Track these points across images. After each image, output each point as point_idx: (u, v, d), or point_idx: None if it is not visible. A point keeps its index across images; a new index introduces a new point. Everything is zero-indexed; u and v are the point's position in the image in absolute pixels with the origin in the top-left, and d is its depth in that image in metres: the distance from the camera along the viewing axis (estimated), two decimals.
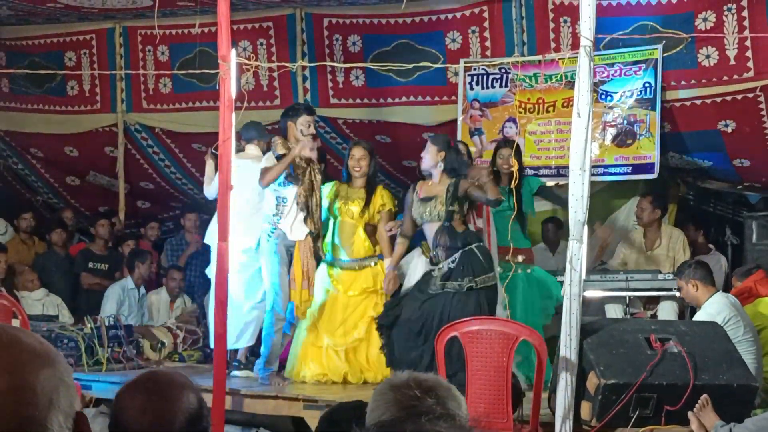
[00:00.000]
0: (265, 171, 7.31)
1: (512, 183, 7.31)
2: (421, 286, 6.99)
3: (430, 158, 7.07)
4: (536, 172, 8.85)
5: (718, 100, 8.46)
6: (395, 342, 7.02)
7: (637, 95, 8.66)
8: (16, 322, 7.29)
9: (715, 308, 6.75)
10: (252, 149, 7.95)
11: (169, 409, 2.37)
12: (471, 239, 6.94)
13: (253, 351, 8.65)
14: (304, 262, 7.23)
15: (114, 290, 9.42)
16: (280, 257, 7.41)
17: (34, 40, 10.88)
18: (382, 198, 7.78)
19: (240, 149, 7.91)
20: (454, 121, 9.35)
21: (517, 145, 8.06)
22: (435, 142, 7.15)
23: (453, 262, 6.85)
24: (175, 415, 2.37)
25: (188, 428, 2.39)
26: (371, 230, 7.75)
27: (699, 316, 6.81)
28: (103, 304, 9.33)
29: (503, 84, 9.26)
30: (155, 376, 2.53)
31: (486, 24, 9.27)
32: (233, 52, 6.21)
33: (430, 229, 7.00)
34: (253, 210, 7.70)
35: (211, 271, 7.56)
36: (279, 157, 7.27)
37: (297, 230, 7.28)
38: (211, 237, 7.74)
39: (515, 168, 7.32)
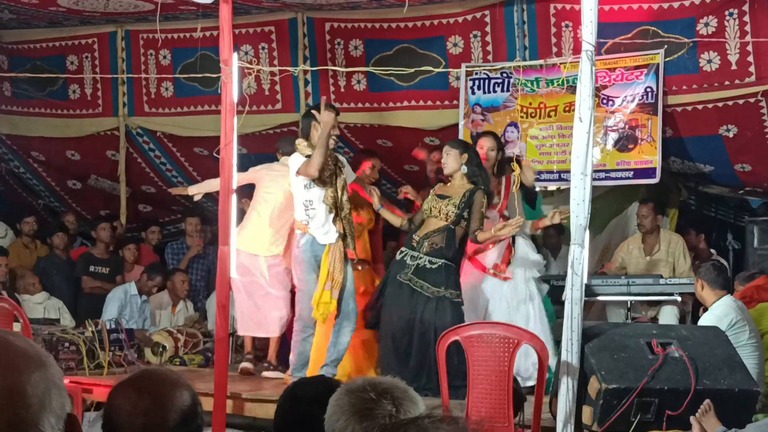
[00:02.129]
0: (306, 162, 7.10)
1: (514, 187, 7.40)
2: (395, 281, 7.08)
3: (454, 161, 7.10)
4: (538, 176, 8.84)
5: (720, 104, 8.46)
6: (382, 350, 7.14)
7: (639, 100, 8.66)
8: (17, 326, 7.30)
9: (722, 311, 6.77)
10: (286, 161, 8.03)
11: (161, 407, 2.35)
12: (457, 258, 7.05)
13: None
14: (331, 264, 7.11)
15: (116, 294, 9.42)
16: (307, 264, 7.27)
17: (36, 43, 10.89)
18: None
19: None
20: (456, 125, 9.35)
21: (518, 158, 8.09)
22: (455, 146, 7.23)
23: (433, 264, 6.93)
24: (167, 413, 2.35)
25: (182, 426, 2.36)
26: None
27: (706, 317, 6.83)
28: (105, 307, 9.33)
29: (505, 88, 9.26)
30: (147, 374, 2.51)
31: (488, 28, 9.27)
32: (235, 56, 6.23)
33: (432, 224, 7.08)
34: (282, 219, 7.83)
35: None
36: (308, 156, 7.17)
37: (327, 233, 7.18)
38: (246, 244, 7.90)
39: (517, 172, 7.37)
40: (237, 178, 7.86)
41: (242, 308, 8.00)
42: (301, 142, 7.26)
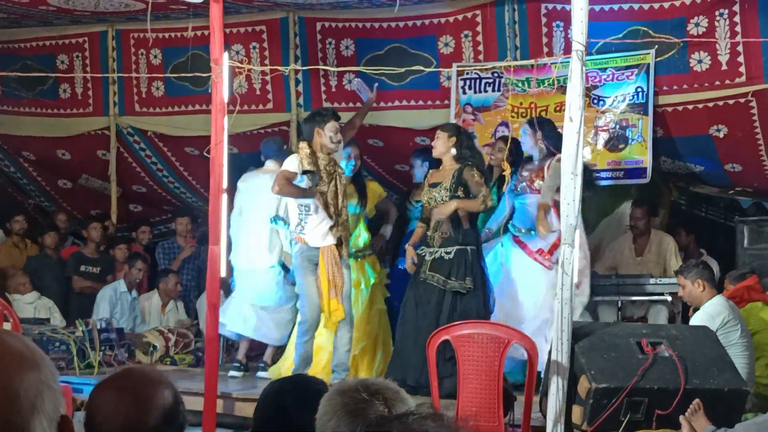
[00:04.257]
0: (283, 177, 7.10)
1: (504, 186, 7.42)
2: (416, 279, 7.17)
3: (442, 145, 7.21)
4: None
5: (710, 105, 8.47)
6: (399, 343, 7.16)
7: (630, 100, 8.67)
8: (7, 326, 7.29)
9: (715, 309, 6.77)
10: (271, 165, 7.99)
11: (142, 405, 2.35)
12: (470, 239, 7.06)
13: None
14: (328, 271, 7.06)
15: (106, 293, 9.39)
16: (303, 269, 7.24)
17: (26, 42, 10.86)
18: (373, 189, 8.28)
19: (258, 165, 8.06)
20: None
21: (518, 144, 8.06)
22: (445, 129, 7.31)
23: (449, 254, 6.98)
24: (149, 411, 2.35)
25: (164, 425, 2.36)
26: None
27: (698, 316, 6.82)
28: (96, 306, 9.30)
29: (496, 88, 9.27)
30: (129, 372, 2.51)
31: (479, 28, 9.27)
32: (226, 55, 6.22)
33: (437, 214, 7.14)
34: (273, 227, 7.83)
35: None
36: (305, 173, 7.10)
37: (319, 237, 7.14)
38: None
39: (507, 171, 7.39)
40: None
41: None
42: (303, 147, 7.18)
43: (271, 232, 7.97)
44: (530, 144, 7.68)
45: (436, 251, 7.09)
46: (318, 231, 7.11)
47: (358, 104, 9.84)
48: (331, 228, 7.09)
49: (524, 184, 7.64)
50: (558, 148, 7.25)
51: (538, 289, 7.43)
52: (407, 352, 7.03)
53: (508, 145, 7.60)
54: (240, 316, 8.07)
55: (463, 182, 7.07)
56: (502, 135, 8.66)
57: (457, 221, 7.09)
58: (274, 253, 8.00)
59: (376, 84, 8.16)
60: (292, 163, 7.16)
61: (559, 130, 6.35)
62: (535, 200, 7.54)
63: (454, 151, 7.16)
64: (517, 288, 7.51)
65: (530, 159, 7.77)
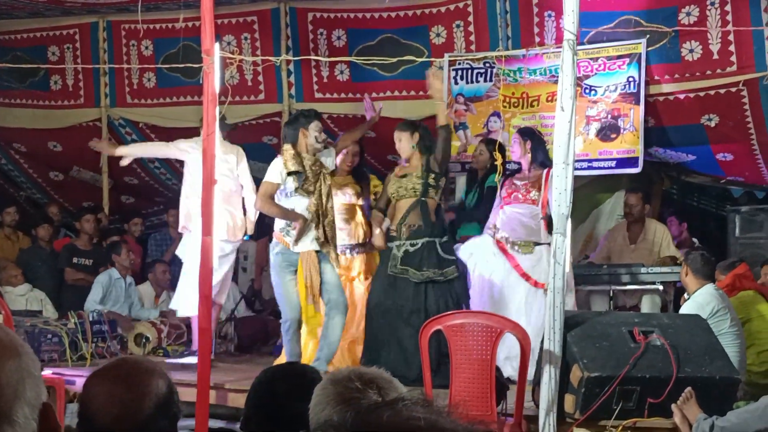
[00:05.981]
0: (265, 194, 6.98)
1: (497, 176, 7.42)
2: (386, 273, 7.11)
3: (407, 144, 7.16)
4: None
5: (702, 94, 8.49)
6: (366, 343, 7.15)
7: (621, 89, 8.68)
8: None
9: (704, 298, 6.80)
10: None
11: (136, 395, 2.35)
12: (437, 232, 7.05)
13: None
14: (306, 277, 6.92)
15: (101, 279, 9.36)
16: (282, 269, 7.07)
17: (17, 34, 10.83)
18: (373, 181, 8.24)
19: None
20: None
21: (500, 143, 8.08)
22: (404, 128, 7.24)
23: (415, 246, 6.95)
24: (142, 401, 2.35)
25: (157, 414, 2.37)
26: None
27: (688, 305, 6.86)
28: (90, 292, 9.27)
29: (488, 78, 9.27)
30: (123, 362, 2.52)
31: (470, 18, 9.28)
32: (217, 46, 6.20)
33: (404, 205, 7.10)
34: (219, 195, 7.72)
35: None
36: (291, 173, 6.96)
37: (302, 242, 6.98)
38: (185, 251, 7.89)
39: (499, 161, 7.40)
40: (157, 149, 8.46)
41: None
42: (288, 149, 7.06)
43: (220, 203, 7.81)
44: (519, 153, 7.56)
45: (403, 244, 7.04)
46: (300, 235, 7.00)
47: (350, 95, 9.87)
48: (314, 228, 6.99)
49: (518, 194, 7.47)
50: (543, 163, 7.29)
51: (530, 312, 7.26)
52: (381, 346, 7.02)
53: (497, 145, 7.63)
54: (187, 299, 7.81)
55: (433, 170, 7.04)
56: (483, 138, 8.63)
57: (425, 210, 7.05)
58: (221, 225, 7.87)
59: (381, 105, 8.22)
60: (274, 173, 7.01)
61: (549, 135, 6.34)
62: (529, 211, 7.37)
63: (418, 147, 7.13)
64: (502, 306, 7.28)
65: (519, 169, 7.70)
